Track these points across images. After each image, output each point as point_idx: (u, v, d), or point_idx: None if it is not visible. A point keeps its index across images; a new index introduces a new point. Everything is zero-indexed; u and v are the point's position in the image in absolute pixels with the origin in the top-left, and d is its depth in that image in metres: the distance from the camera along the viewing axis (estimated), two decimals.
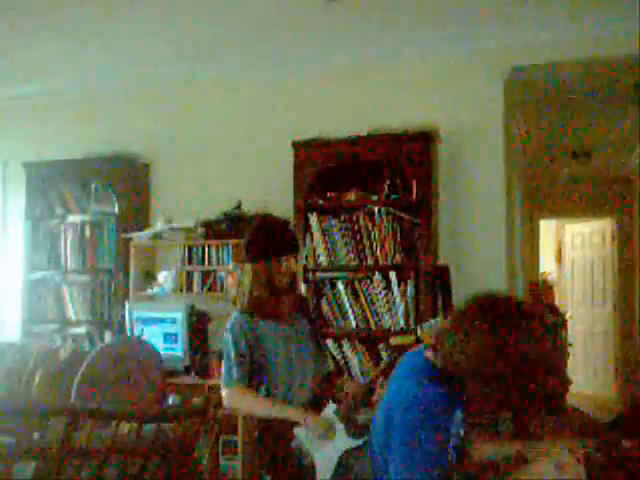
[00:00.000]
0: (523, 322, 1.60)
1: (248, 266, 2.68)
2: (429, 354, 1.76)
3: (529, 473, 1.70)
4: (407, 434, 1.64)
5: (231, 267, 4.37)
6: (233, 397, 2.65)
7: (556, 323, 6.90)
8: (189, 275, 4.49)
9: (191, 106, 4.89)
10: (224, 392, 2.67)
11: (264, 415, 2.64)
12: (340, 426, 2.59)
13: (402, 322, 3.98)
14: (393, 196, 4.10)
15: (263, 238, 2.69)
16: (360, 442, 2.60)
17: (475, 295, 1.70)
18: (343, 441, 2.59)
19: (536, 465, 1.71)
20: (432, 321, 2.63)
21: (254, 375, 2.66)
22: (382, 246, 4.04)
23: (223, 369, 2.68)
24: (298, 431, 2.57)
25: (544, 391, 1.64)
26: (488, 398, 1.62)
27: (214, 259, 4.45)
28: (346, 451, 2.59)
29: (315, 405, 2.64)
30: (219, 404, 3.30)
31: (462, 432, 1.76)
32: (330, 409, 2.61)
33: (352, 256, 4.10)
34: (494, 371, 1.56)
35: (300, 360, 2.69)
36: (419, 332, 2.62)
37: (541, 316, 1.58)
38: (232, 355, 2.64)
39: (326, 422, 2.55)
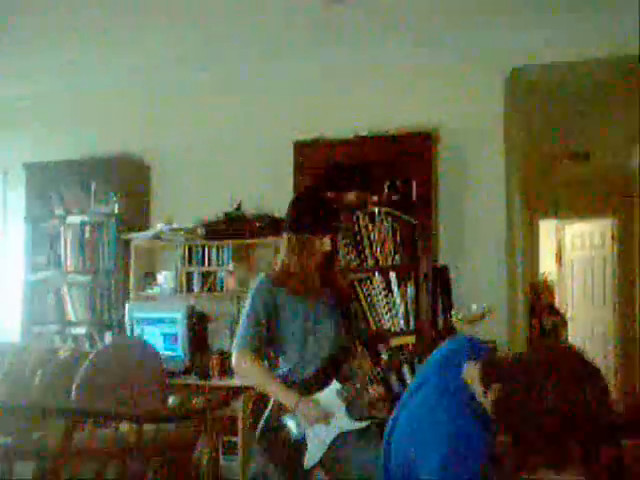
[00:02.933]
0: (589, 380, 1.47)
1: (285, 236, 2.66)
2: (475, 387, 1.59)
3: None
4: (438, 471, 1.51)
5: (231, 267, 4.37)
6: (239, 362, 2.62)
7: (556, 323, 6.92)
8: (189, 276, 4.48)
9: (191, 107, 4.88)
10: (233, 354, 2.64)
11: (261, 389, 2.65)
12: (342, 406, 2.57)
13: (402, 323, 3.98)
14: (393, 196, 4.10)
15: (301, 212, 2.65)
16: (361, 425, 2.58)
17: (546, 347, 1.62)
18: (342, 421, 2.57)
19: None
20: (474, 307, 2.48)
21: (270, 342, 2.65)
22: (382, 247, 4.04)
23: (238, 331, 2.66)
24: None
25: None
26: (539, 455, 1.48)
27: (214, 259, 4.44)
28: (343, 432, 2.57)
29: (323, 380, 2.60)
30: (219, 404, 3.31)
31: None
32: (334, 387, 2.59)
33: (352, 256, 4.09)
34: (553, 433, 1.44)
35: (315, 339, 2.63)
36: (454, 319, 2.51)
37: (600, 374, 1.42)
38: (247, 319, 2.62)
39: (318, 409, 2.53)
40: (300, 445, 2.55)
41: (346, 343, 2.74)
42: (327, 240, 2.59)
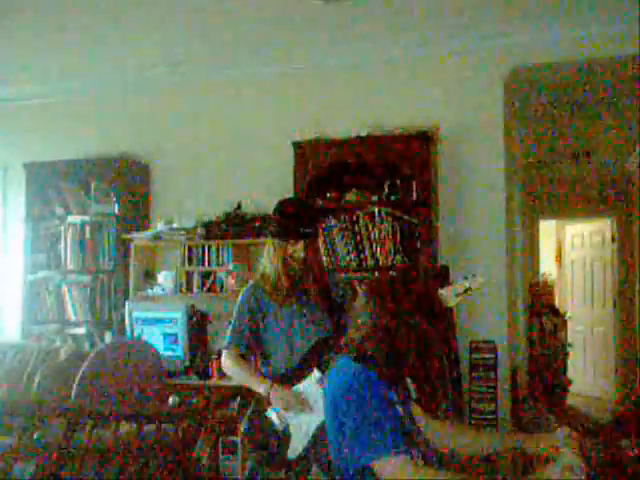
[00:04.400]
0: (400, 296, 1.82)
1: (267, 241, 2.78)
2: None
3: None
4: (349, 412, 1.74)
5: (231, 267, 4.37)
6: (224, 361, 2.81)
7: (556, 323, 6.92)
8: (189, 276, 4.48)
9: (191, 106, 4.88)
10: (222, 356, 2.83)
11: (238, 382, 2.80)
12: (323, 394, 2.59)
13: None
14: (393, 196, 4.10)
15: (276, 218, 2.75)
16: None
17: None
18: (323, 410, 2.59)
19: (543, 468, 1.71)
20: (460, 282, 2.59)
21: (258, 342, 2.77)
22: (382, 246, 4.04)
23: (227, 334, 2.84)
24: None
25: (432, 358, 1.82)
26: (390, 365, 1.78)
27: (214, 259, 4.44)
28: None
29: (305, 372, 2.65)
30: (219, 404, 3.30)
31: (411, 415, 1.87)
32: (314, 377, 2.62)
33: (352, 257, 4.09)
34: (386, 339, 1.78)
35: (297, 336, 2.72)
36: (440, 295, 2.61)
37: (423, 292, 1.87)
38: (234, 321, 2.79)
39: (290, 394, 2.58)
40: (284, 437, 2.58)
41: (329, 336, 2.75)
42: (298, 247, 2.67)
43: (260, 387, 2.64)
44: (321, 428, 2.59)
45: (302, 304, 2.75)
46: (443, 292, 2.58)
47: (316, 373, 2.63)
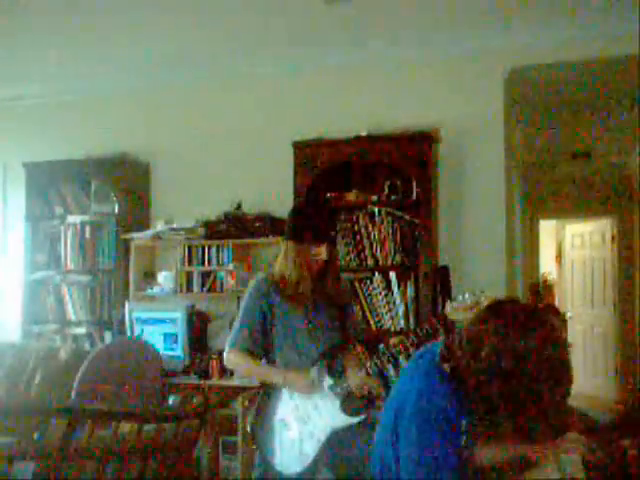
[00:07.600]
0: (532, 324, 1.61)
1: (283, 242, 2.71)
2: (440, 358, 1.74)
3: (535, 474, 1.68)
4: (416, 429, 1.63)
5: (231, 267, 4.37)
6: (229, 359, 2.70)
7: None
8: (189, 275, 4.49)
9: (191, 106, 4.89)
10: (225, 352, 2.71)
11: (248, 375, 2.77)
12: (335, 401, 2.58)
13: (402, 322, 3.98)
14: (393, 196, 4.10)
15: (294, 220, 2.69)
16: (356, 420, 2.59)
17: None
18: (335, 417, 2.58)
19: (542, 469, 1.69)
20: (467, 296, 2.53)
21: (265, 340, 2.68)
22: (382, 246, 4.05)
23: (233, 328, 2.73)
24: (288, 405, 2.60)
25: (551, 397, 1.61)
26: (496, 400, 1.60)
27: (214, 259, 4.44)
28: (341, 428, 2.58)
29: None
30: (219, 404, 3.30)
31: (465, 439, 1.76)
32: (326, 384, 2.61)
33: (352, 256, 4.10)
34: (503, 372, 1.57)
35: (309, 339, 2.67)
36: (448, 310, 2.55)
37: (552, 322, 1.61)
38: (241, 317, 2.68)
39: (305, 377, 2.55)
40: (294, 444, 2.56)
41: (339, 342, 2.75)
42: (322, 249, 2.62)
43: (275, 377, 2.59)
44: (335, 435, 2.58)
45: (316, 308, 2.70)
46: (447, 306, 2.55)
47: (328, 380, 2.61)
